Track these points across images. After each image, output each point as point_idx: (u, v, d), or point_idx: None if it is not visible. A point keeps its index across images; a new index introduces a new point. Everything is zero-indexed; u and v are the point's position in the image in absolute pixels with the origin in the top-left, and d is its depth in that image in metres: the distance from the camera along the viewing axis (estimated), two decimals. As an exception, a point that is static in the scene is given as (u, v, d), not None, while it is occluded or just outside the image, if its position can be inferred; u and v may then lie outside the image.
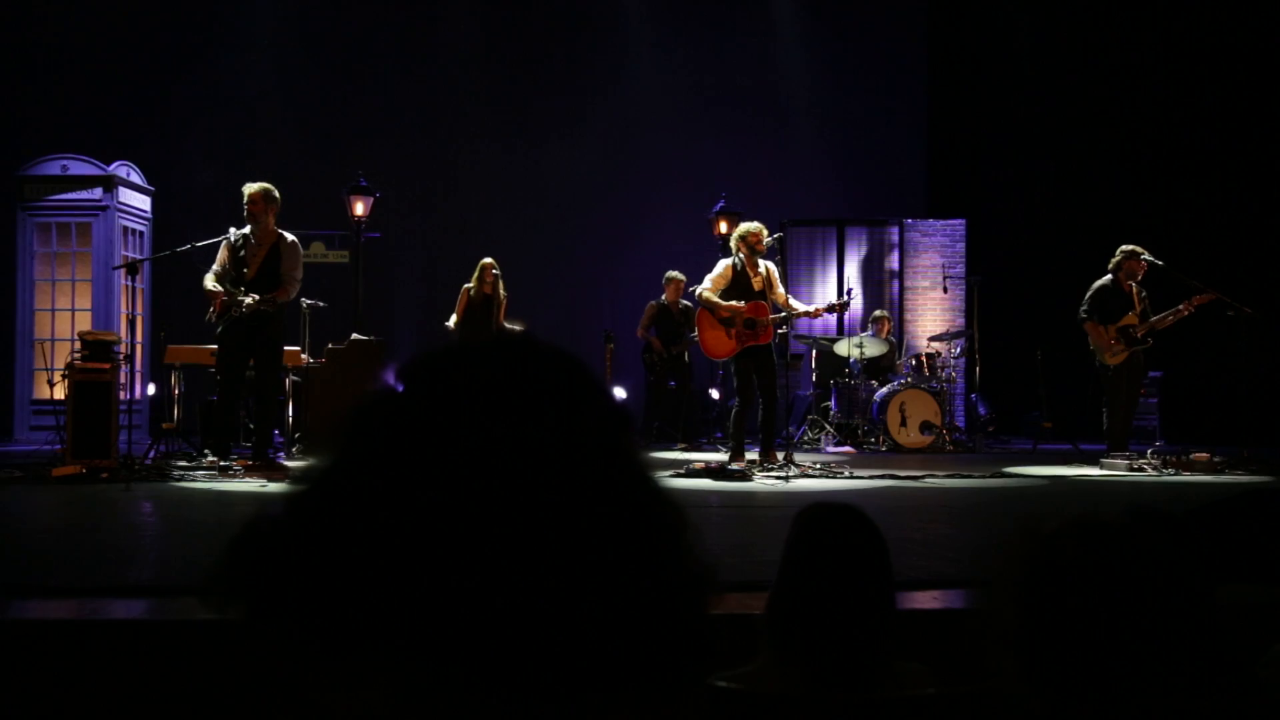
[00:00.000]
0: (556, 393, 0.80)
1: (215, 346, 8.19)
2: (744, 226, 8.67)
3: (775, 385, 8.56)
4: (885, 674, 1.97)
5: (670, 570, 0.79)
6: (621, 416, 0.83)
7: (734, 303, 8.44)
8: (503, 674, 0.75)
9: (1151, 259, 9.32)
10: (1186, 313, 9.21)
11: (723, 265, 8.66)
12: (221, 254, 8.11)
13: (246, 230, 8.10)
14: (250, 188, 8.12)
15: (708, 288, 8.56)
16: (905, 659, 2.04)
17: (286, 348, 9.34)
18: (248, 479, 7.49)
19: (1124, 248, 9.33)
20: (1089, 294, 9.38)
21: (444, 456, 0.76)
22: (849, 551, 1.99)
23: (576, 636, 0.75)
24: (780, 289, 8.60)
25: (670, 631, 0.78)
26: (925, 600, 3.70)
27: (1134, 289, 9.35)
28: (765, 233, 8.58)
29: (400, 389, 0.81)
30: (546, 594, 0.75)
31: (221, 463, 7.83)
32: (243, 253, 8.06)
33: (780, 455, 8.49)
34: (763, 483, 7.82)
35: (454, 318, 10.74)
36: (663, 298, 12.04)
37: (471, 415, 0.78)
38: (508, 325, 10.61)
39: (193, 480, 7.48)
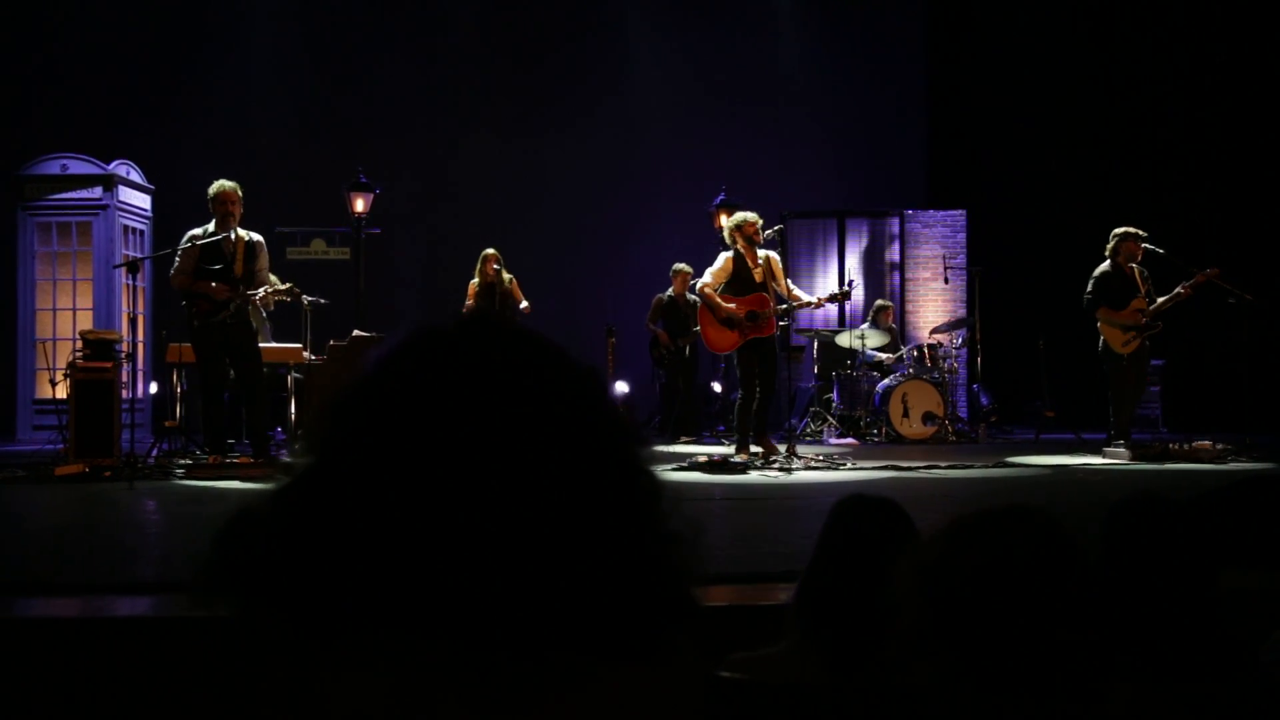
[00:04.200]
0: (522, 368, 0.84)
1: (190, 345, 8.17)
2: (738, 216, 8.58)
3: (775, 378, 8.59)
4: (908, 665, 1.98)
5: (646, 534, 0.82)
6: (589, 382, 0.86)
7: (730, 305, 8.42)
8: (485, 641, 0.78)
9: (1151, 246, 9.25)
10: (1186, 295, 9.14)
11: (722, 258, 8.60)
12: (191, 255, 7.89)
13: (214, 228, 7.95)
14: (230, 186, 7.99)
15: (708, 282, 8.53)
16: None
17: (288, 345, 9.39)
18: (249, 476, 7.47)
19: (1118, 230, 9.25)
20: (1092, 281, 9.27)
21: (417, 435, 0.79)
22: (885, 543, 2.01)
23: (554, 601, 0.78)
24: (783, 279, 8.58)
25: (648, 593, 0.81)
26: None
27: (1136, 271, 9.27)
28: (760, 222, 8.51)
29: (374, 375, 0.84)
30: (524, 562, 0.77)
31: (224, 459, 7.84)
32: (232, 251, 8.01)
33: (782, 447, 8.51)
34: (765, 475, 7.82)
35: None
36: (669, 291, 12.01)
37: (442, 395, 0.81)
38: (524, 305, 10.59)
39: (195, 478, 7.49)
